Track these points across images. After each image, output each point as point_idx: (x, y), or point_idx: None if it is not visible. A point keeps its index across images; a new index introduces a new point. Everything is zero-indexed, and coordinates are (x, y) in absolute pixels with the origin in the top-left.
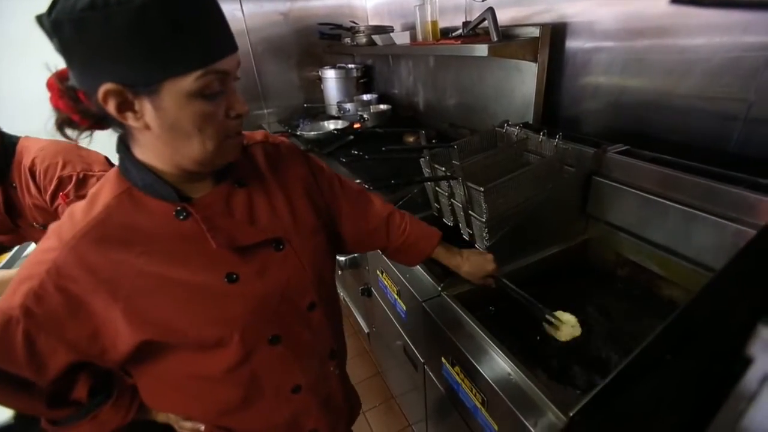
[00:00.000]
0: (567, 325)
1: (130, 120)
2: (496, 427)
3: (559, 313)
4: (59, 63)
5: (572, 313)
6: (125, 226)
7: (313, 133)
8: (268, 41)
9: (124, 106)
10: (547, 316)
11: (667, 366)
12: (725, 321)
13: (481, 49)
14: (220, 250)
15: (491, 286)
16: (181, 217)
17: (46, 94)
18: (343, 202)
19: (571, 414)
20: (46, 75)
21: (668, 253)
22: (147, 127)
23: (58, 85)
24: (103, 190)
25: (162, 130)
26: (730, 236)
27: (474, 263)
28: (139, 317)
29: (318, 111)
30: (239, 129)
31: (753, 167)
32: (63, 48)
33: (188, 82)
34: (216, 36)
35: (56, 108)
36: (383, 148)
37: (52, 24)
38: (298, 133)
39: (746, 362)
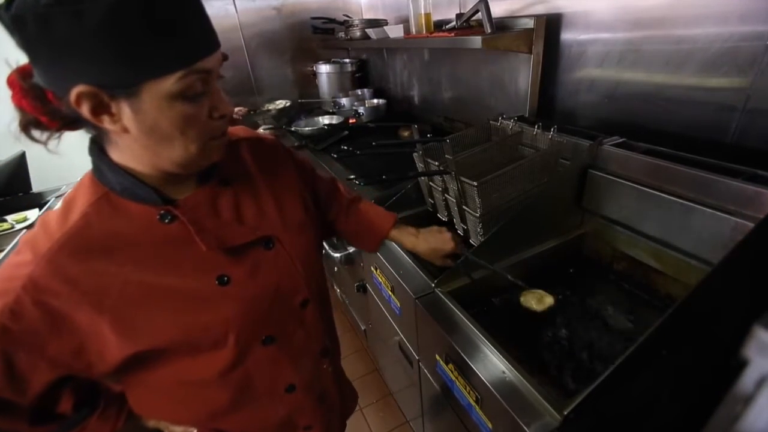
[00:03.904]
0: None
1: (107, 123)
2: (490, 426)
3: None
4: (21, 58)
5: (568, 308)
6: (106, 234)
7: (307, 128)
8: (261, 36)
9: (100, 108)
10: (520, 284)
11: (662, 362)
12: (723, 316)
13: (475, 41)
14: (209, 252)
15: (450, 265)
16: (166, 221)
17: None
18: (322, 191)
19: (565, 412)
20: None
21: (665, 247)
22: (125, 130)
23: (21, 83)
24: (78, 198)
25: (141, 133)
26: (728, 229)
27: (431, 243)
28: (128, 329)
29: (313, 106)
30: (224, 129)
31: (751, 159)
32: (26, 46)
33: (169, 83)
34: (198, 33)
35: (19, 108)
36: (373, 143)
37: (12, 19)
38: (293, 128)
39: (742, 364)
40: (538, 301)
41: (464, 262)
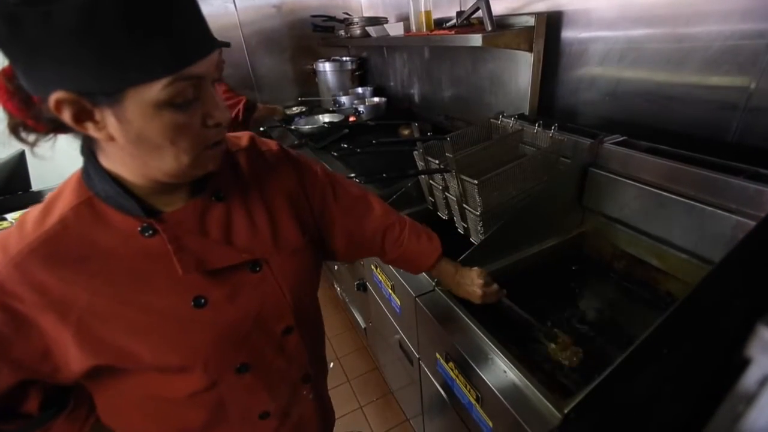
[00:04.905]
0: (565, 349)
1: (91, 130)
2: (490, 424)
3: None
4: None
5: (568, 307)
6: (82, 241)
7: (307, 126)
8: (261, 34)
9: (82, 116)
10: (548, 334)
11: (664, 361)
12: (724, 315)
13: (475, 39)
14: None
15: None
16: (147, 235)
17: None
18: (337, 211)
19: (566, 411)
20: None
21: (666, 246)
22: (111, 138)
23: (6, 84)
24: (61, 198)
25: (128, 142)
26: (730, 228)
27: (461, 294)
28: (91, 342)
29: (313, 105)
30: (220, 138)
31: (753, 157)
32: (1, 46)
33: (155, 91)
34: (187, 35)
35: (6, 110)
36: (373, 141)
37: None
38: (293, 127)
39: (744, 362)
40: (571, 356)
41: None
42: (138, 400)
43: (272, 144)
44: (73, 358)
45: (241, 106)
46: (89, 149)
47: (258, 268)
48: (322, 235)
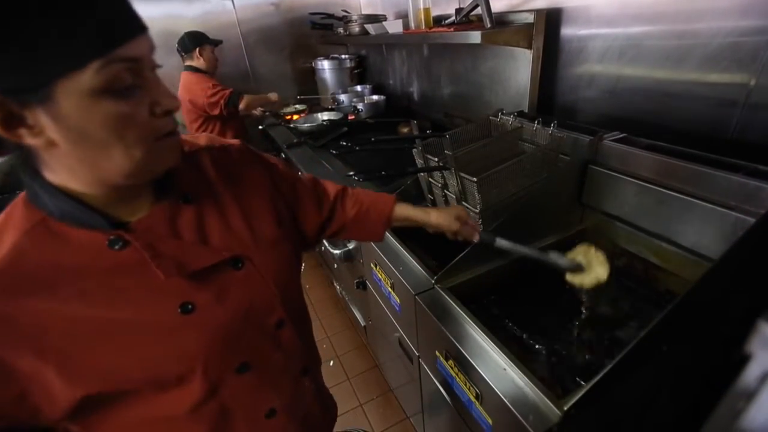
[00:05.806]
0: (592, 267)
1: (27, 138)
2: (490, 422)
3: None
4: None
5: (567, 305)
6: (44, 266)
7: (306, 125)
8: (259, 32)
9: (11, 121)
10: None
11: (663, 358)
12: (723, 312)
13: (474, 36)
14: (170, 278)
15: (474, 240)
16: (117, 247)
17: None
18: (304, 197)
19: (565, 408)
20: None
21: (665, 243)
22: (51, 143)
23: None
24: (9, 226)
25: (71, 144)
26: (729, 225)
27: (443, 212)
28: (77, 371)
29: (312, 103)
30: (171, 128)
31: (752, 154)
32: None
33: (87, 77)
34: (112, 12)
35: None
36: (372, 139)
37: None
38: (292, 125)
39: (744, 358)
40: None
41: (481, 245)
42: (134, 427)
43: (234, 141)
44: (59, 393)
45: (222, 100)
46: (31, 167)
47: (240, 265)
48: (296, 223)
